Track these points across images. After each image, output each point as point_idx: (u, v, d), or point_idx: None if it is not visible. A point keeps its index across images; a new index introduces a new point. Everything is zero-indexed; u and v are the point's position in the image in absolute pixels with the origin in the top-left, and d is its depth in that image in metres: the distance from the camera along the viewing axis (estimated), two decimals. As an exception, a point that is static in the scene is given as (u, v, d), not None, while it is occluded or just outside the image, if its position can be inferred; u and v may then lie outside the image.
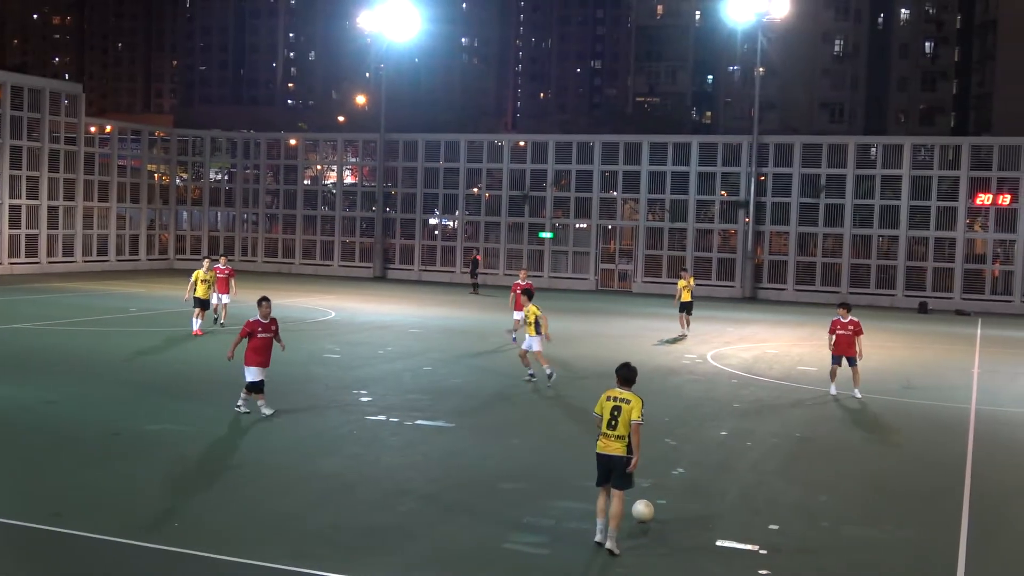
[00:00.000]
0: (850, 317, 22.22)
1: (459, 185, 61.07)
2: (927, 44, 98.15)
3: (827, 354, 22.62)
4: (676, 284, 35.43)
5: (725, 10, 57.96)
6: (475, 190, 61.46)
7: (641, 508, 11.64)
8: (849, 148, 55.03)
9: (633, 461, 10.89)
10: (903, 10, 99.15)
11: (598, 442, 11.17)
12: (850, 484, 14.35)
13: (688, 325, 33.35)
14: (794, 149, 55.71)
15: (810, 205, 55.06)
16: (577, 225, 58.91)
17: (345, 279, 58.78)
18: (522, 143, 62.47)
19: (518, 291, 28.37)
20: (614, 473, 10.93)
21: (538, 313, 22.16)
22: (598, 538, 10.92)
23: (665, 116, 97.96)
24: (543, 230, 59.58)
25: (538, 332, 21.95)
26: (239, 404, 17.48)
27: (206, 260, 29.72)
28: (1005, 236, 52.32)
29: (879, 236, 54.18)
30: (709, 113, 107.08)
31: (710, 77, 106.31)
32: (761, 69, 59.07)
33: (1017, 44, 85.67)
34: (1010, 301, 51.67)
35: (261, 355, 17.32)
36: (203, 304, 28.48)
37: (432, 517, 11.95)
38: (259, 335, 17.33)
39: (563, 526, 11.70)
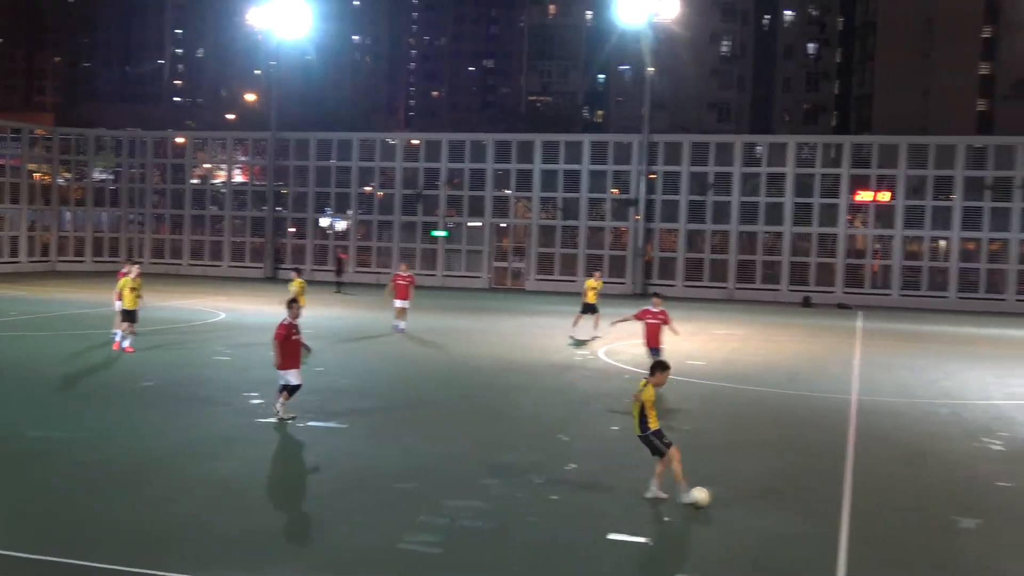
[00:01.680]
0: (661, 307, 22.98)
1: (351, 184, 60.62)
2: (810, 46, 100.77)
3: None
4: (581, 283, 35.46)
5: (616, 10, 58.66)
6: (367, 189, 61.08)
7: (697, 495, 12.63)
8: (736, 147, 56.25)
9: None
10: (787, 12, 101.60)
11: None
12: (737, 475, 14.70)
13: (597, 325, 32.97)
14: (683, 148, 56.71)
15: (698, 203, 56.12)
16: (470, 224, 59.00)
17: (235, 280, 57.85)
18: (415, 142, 62.32)
19: (399, 282, 31.04)
20: None
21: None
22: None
23: (557, 115, 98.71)
24: (436, 229, 59.54)
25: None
26: (280, 413, 17.17)
27: (134, 266, 26.31)
28: (884, 232, 54.11)
29: (764, 232, 55.52)
30: (601, 112, 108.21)
31: (602, 76, 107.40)
32: (651, 69, 59.93)
33: (895, 46, 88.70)
34: (888, 295, 53.43)
35: (298, 357, 17.33)
36: (131, 316, 25.05)
37: (327, 519, 11.89)
38: (294, 337, 17.21)
39: (458, 524, 11.76)
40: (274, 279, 59.27)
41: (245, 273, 61.28)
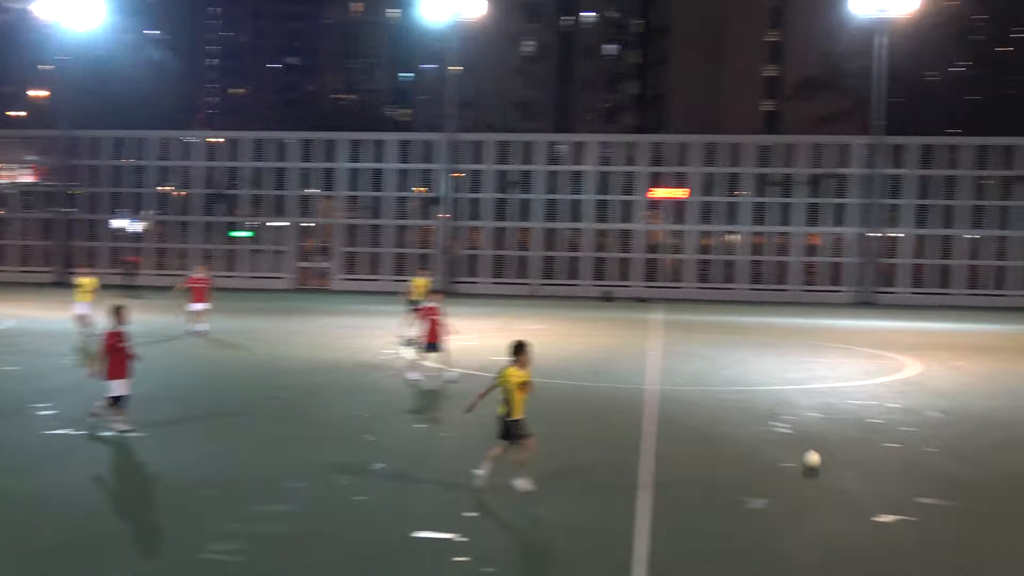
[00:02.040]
0: (433, 304, 23.46)
1: (148, 184, 58.55)
2: (610, 47, 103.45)
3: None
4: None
5: (421, 9, 58.78)
6: (167, 189, 59.13)
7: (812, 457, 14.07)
8: (539, 145, 57.30)
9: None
10: (587, 13, 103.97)
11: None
12: (539, 467, 15.04)
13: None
14: (488, 147, 57.34)
15: (503, 200, 56.88)
16: (274, 224, 57.96)
17: (23, 285, 54.95)
18: (216, 140, 60.72)
19: (196, 284, 31.17)
20: None
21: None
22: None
23: (363, 113, 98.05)
24: (239, 228, 58.23)
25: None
26: (114, 426, 16.16)
27: None
28: (680, 227, 56.22)
29: (567, 229, 56.78)
30: (407, 110, 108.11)
31: (408, 75, 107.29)
32: (456, 68, 60.33)
33: (688, 48, 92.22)
34: (683, 287, 55.56)
35: (124, 367, 16.26)
36: None
37: (126, 532, 11.51)
38: (120, 345, 16.19)
39: (262, 530, 11.59)
40: (64, 284, 56.61)
41: (34, 278, 58.28)
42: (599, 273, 56.06)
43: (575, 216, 56.29)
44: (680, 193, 56.19)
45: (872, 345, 32.71)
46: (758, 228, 55.31)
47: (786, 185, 55.28)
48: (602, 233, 56.28)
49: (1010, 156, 54.06)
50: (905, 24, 61.46)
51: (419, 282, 33.72)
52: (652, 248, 56.45)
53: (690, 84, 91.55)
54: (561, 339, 33.19)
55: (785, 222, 54.99)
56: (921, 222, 54.20)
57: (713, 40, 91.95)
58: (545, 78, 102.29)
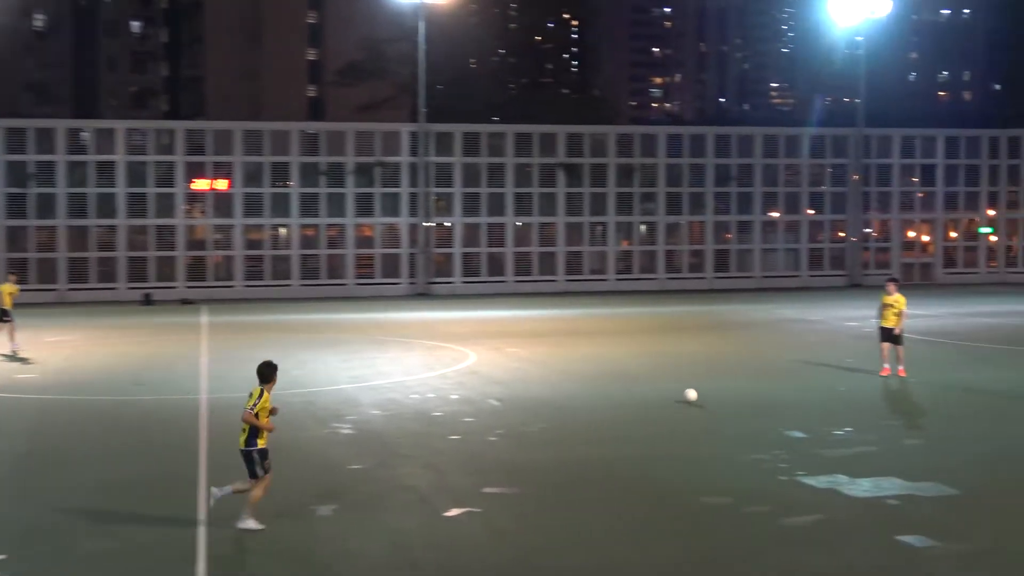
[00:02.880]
0: None
1: None
2: (134, 23, 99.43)
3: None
4: None
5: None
6: None
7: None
8: (59, 133, 54.01)
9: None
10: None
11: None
12: (84, 491, 14.33)
13: (12, 337, 29.81)
14: (-4, 134, 53.17)
15: (18, 196, 53.01)
16: None
17: None
18: None
19: None
20: None
21: None
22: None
23: None
24: None
25: None
26: None
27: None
28: (224, 221, 55.41)
29: (97, 226, 54.00)
30: None
31: None
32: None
33: (224, 27, 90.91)
34: (232, 287, 54.92)
35: None
36: None
37: None
38: None
39: None
40: None
41: None
42: (138, 274, 53.90)
43: (106, 212, 53.71)
44: (222, 184, 55.36)
45: (431, 337, 34.26)
46: (309, 220, 55.88)
47: (335, 175, 56.27)
48: (139, 230, 54.17)
49: (549, 143, 58.71)
50: (444, 10, 64.70)
51: (6, 288, 30.81)
52: (195, 245, 55.22)
53: (228, 67, 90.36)
54: (96, 349, 31.66)
55: (336, 213, 55.97)
56: (470, 210, 57.46)
57: (250, 19, 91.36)
58: (62, 57, 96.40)
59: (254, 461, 12.66)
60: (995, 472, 15.54)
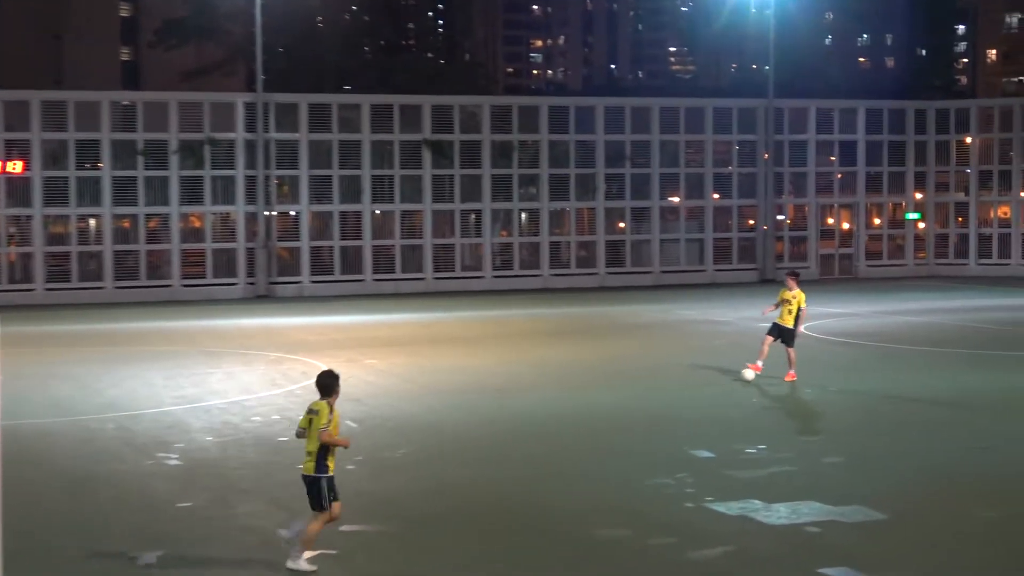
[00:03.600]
0: None
1: None
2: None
3: None
4: None
5: None
6: None
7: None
8: None
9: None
10: None
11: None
12: None
13: None
14: None
15: None
16: None
17: None
18: None
19: None
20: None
21: None
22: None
23: None
24: None
25: None
26: None
27: None
28: (19, 211, 53.96)
29: None
30: None
31: None
32: None
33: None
34: (33, 290, 53.54)
35: None
36: None
37: None
38: None
39: None
40: None
41: None
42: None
43: None
44: (15, 167, 53.83)
45: (275, 348, 33.92)
46: (124, 210, 54.71)
47: (156, 155, 55.21)
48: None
49: (412, 117, 58.58)
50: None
51: None
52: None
53: (23, 24, 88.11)
54: None
55: (158, 201, 54.90)
56: (320, 197, 57.04)
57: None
58: None
59: (322, 489, 12.89)
60: (924, 492, 16.08)
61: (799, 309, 25.60)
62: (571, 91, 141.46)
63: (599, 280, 60.33)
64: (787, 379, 25.54)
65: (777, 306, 26.01)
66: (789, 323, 25.46)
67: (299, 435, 13.19)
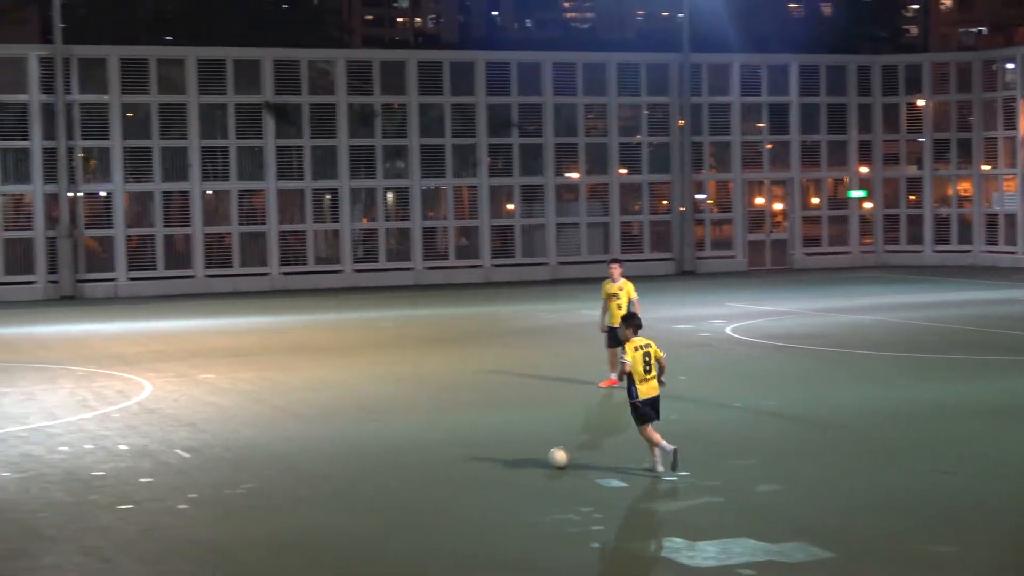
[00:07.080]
0: None
1: None
2: None
3: None
4: None
5: None
6: None
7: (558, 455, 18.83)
8: None
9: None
10: None
11: (641, 387, 18.76)
12: None
13: None
14: None
15: None
16: None
17: None
18: None
19: None
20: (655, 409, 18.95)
21: None
22: (660, 468, 18.77)
23: None
24: None
25: None
26: None
27: None
28: None
29: None
30: None
31: None
32: None
33: None
34: None
35: None
36: None
37: None
38: None
39: None
40: None
41: None
42: None
43: None
44: None
45: (85, 361, 33.51)
46: None
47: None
48: None
49: (250, 74, 58.07)
50: None
51: None
52: None
53: None
54: None
55: None
56: (137, 174, 56.38)
57: None
58: None
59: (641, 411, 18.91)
60: (875, 524, 16.34)
61: (629, 302, 25.92)
62: (445, 43, 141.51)
63: (484, 274, 60.47)
64: (602, 385, 26.24)
65: (606, 311, 26.34)
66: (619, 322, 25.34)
67: (621, 375, 19.11)
